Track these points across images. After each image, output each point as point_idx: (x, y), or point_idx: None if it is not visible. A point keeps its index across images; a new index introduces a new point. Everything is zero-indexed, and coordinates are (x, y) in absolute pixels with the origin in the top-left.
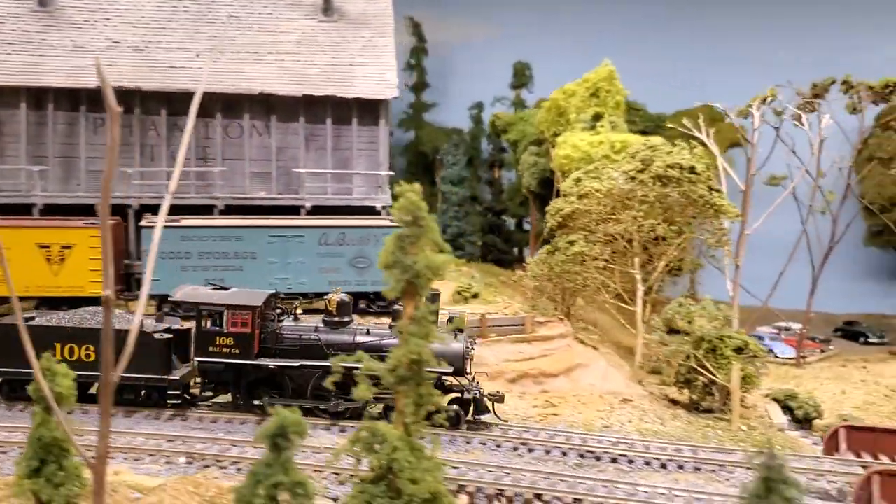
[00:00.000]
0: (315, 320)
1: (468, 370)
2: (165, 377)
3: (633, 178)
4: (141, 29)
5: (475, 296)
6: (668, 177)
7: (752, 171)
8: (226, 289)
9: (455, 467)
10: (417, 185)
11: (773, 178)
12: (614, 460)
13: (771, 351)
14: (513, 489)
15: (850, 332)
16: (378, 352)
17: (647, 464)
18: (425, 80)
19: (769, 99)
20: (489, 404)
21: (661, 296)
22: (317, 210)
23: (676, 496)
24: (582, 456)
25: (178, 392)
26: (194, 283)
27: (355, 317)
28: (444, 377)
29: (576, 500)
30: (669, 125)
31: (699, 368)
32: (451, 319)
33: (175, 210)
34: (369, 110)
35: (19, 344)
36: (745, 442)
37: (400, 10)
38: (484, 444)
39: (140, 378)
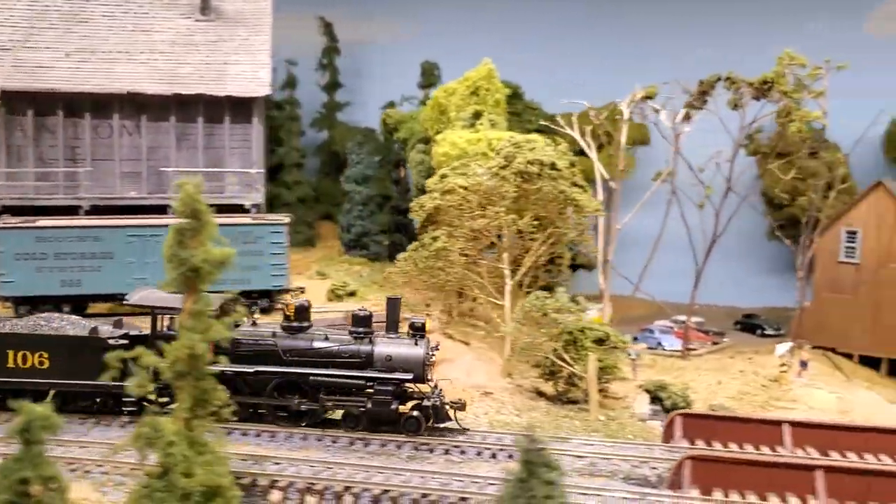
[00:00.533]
0: (273, 326)
1: (429, 377)
2: (120, 384)
3: (496, 175)
4: (8, 28)
5: (352, 294)
6: (529, 173)
7: (620, 166)
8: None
9: (277, 463)
10: (197, 180)
11: (658, 173)
12: (447, 451)
13: (660, 344)
14: (323, 483)
15: (748, 324)
16: (336, 357)
17: (479, 454)
18: (338, 80)
19: (638, 96)
20: (450, 412)
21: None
22: None
23: (490, 483)
24: (416, 449)
25: (133, 399)
26: (50, 283)
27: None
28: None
29: (384, 491)
30: (543, 123)
31: (558, 361)
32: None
33: (42, 211)
34: (242, 109)
35: None
36: (598, 432)
37: (313, 9)
38: (320, 440)
39: (94, 385)
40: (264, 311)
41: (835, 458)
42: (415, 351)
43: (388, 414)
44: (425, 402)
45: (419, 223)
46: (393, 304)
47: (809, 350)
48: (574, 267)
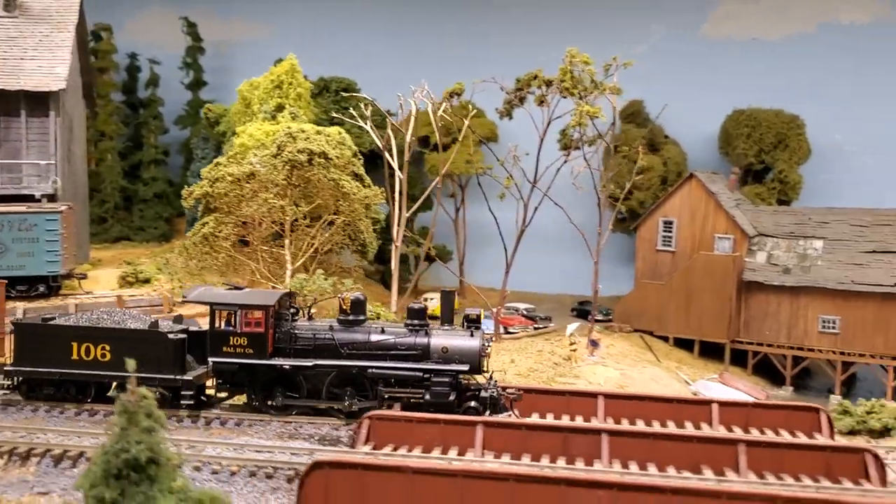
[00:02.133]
0: (329, 319)
1: (485, 368)
2: (179, 378)
3: (267, 164)
4: None
5: (147, 280)
6: (300, 161)
7: (406, 157)
8: (240, 288)
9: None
10: None
11: (481, 167)
12: (209, 422)
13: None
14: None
15: (582, 310)
16: (393, 350)
17: (238, 424)
18: (202, 78)
19: (423, 91)
20: (507, 403)
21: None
22: None
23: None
24: (180, 420)
25: (191, 393)
26: None
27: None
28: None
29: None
30: (335, 115)
31: None
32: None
33: None
34: (39, 103)
35: (38, 343)
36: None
37: (178, 10)
38: (107, 415)
39: (153, 378)
40: (43, 296)
41: (497, 417)
42: (471, 342)
43: (447, 405)
44: (482, 393)
45: (188, 208)
46: (447, 297)
47: (625, 331)
48: (428, 259)
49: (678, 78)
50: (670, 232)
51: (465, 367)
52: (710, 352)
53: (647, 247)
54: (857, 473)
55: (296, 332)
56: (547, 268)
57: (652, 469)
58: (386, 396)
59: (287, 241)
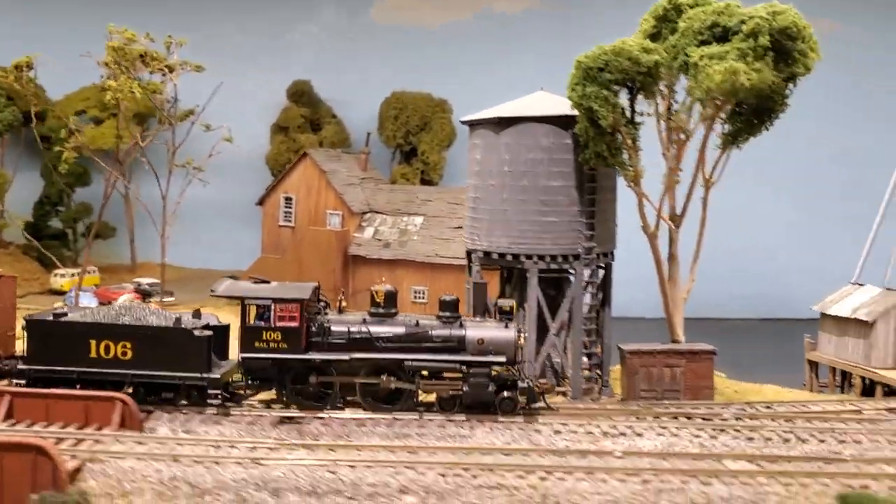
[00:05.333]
0: (361, 313)
1: (519, 359)
2: (206, 376)
3: None
4: None
5: None
6: None
7: None
8: (267, 282)
9: None
10: None
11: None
12: None
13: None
14: None
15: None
16: (428, 341)
17: None
18: None
19: None
20: (540, 394)
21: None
22: None
23: None
24: None
25: (218, 392)
26: None
27: None
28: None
29: None
30: None
31: None
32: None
33: None
34: None
35: (53, 340)
36: None
37: None
38: None
39: (180, 377)
40: None
41: None
42: (506, 334)
43: (486, 396)
44: (520, 384)
45: None
46: (479, 289)
47: None
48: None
49: (349, 59)
50: (290, 207)
51: (503, 359)
52: None
53: (270, 221)
54: (109, 419)
55: (329, 325)
56: (220, 242)
57: None
58: (424, 388)
59: None
